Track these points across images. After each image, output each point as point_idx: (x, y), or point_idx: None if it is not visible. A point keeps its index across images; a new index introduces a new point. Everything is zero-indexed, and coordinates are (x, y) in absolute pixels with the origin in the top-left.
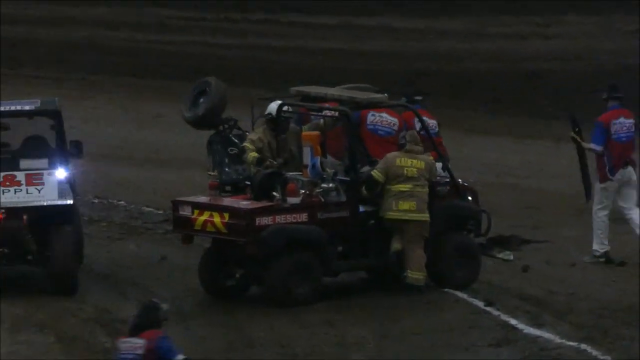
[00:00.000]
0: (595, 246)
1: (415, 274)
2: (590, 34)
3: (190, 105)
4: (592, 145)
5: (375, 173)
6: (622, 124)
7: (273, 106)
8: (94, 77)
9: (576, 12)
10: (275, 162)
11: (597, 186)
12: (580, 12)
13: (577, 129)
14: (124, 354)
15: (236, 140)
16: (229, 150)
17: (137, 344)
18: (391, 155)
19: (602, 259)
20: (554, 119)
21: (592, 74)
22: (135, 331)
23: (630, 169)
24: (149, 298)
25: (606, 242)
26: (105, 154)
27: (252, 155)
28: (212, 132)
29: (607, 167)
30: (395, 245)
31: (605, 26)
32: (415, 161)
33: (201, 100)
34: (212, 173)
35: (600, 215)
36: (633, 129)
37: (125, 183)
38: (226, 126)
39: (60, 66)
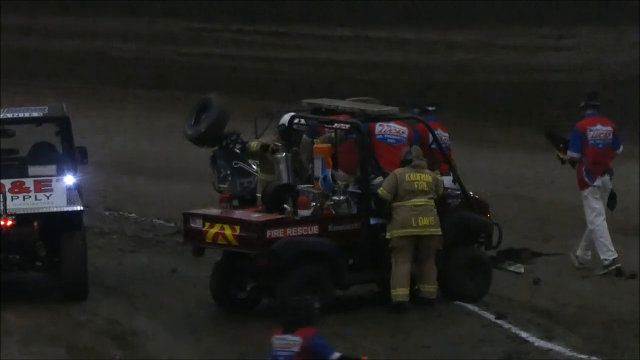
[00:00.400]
0: (602, 255)
1: (429, 288)
2: (601, 46)
3: (192, 123)
4: (569, 153)
5: (382, 191)
6: (599, 130)
7: (286, 118)
8: (105, 89)
9: (587, 24)
10: (279, 145)
11: (581, 195)
12: (592, 24)
13: (561, 145)
14: (278, 350)
15: (240, 152)
16: (233, 164)
17: (293, 341)
18: (398, 171)
19: (613, 267)
20: (565, 131)
21: (603, 86)
22: (289, 328)
23: (607, 177)
24: (302, 296)
25: (612, 248)
26: (116, 166)
27: (255, 143)
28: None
29: (585, 173)
30: (402, 292)
31: (616, 38)
32: (423, 175)
33: (203, 117)
34: (224, 185)
35: (597, 223)
36: (611, 137)
37: (136, 195)
38: (229, 141)
39: (71, 78)
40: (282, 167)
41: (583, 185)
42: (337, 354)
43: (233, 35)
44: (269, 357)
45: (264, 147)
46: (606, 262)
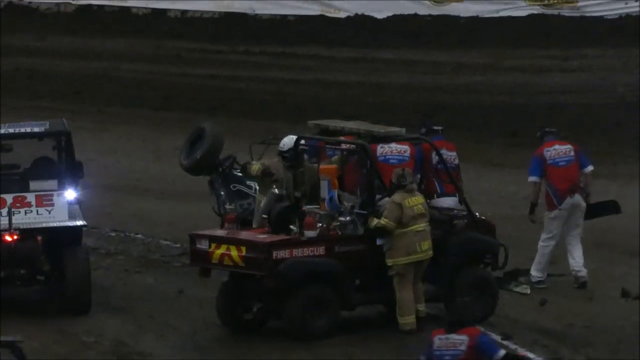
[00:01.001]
0: (534, 272)
1: (421, 307)
2: (608, 67)
3: (187, 153)
4: (530, 179)
5: (388, 223)
6: (558, 150)
7: (286, 141)
8: (111, 110)
9: (595, 45)
10: (281, 177)
11: (545, 215)
12: (599, 45)
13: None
14: (441, 350)
15: (238, 174)
16: (231, 187)
17: (459, 340)
18: (397, 198)
19: (540, 287)
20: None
21: (610, 108)
22: (453, 328)
23: (577, 197)
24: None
25: (545, 272)
26: (123, 187)
27: (257, 167)
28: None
29: (552, 195)
30: (411, 320)
31: (623, 59)
32: (417, 198)
33: (197, 146)
34: (230, 207)
35: (547, 245)
36: (572, 154)
37: (142, 216)
38: (225, 166)
39: (77, 98)
40: (266, 199)
41: (551, 207)
42: (502, 352)
43: (239, 56)
44: (423, 357)
45: (266, 173)
46: (534, 280)
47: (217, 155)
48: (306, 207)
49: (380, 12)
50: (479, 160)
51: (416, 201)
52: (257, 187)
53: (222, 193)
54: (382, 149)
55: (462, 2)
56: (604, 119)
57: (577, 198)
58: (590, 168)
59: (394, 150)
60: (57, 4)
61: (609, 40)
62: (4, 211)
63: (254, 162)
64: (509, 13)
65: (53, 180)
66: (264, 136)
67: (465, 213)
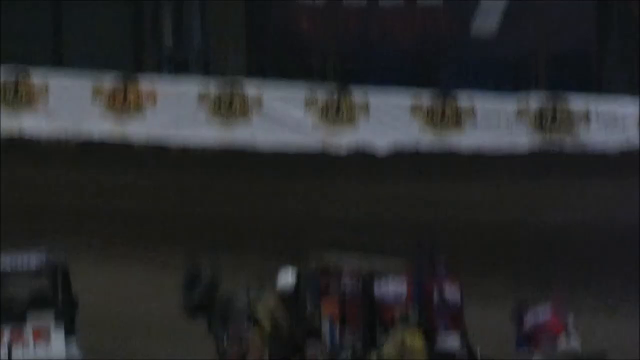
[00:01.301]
0: None
1: None
2: (609, 201)
3: (185, 295)
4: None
5: (390, 355)
6: (535, 312)
7: (284, 282)
8: (112, 245)
9: (595, 178)
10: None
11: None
12: (599, 179)
13: None
14: None
15: (237, 312)
16: (230, 326)
17: None
18: (398, 336)
19: None
20: (573, 287)
21: (611, 243)
22: None
23: (573, 340)
24: None
25: None
26: (122, 327)
27: (268, 329)
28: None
29: (544, 339)
30: None
31: (623, 193)
32: (417, 337)
33: (195, 289)
34: (230, 345)
35: None
36: (550, 309)
37: (144, 355)
38: (222, 307)
39: (77, 234)
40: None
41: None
42: None
43: (239, 190)
44: None
45: (278, 330)
46: None
47: (214, 297)
48: (307, 346)
49: (381, 144)
50: (481, 297)
51: (415, 340)
52: (255, 325)
53: (222, 333)
54: (378, 285)
55: (463, 135)
56: (604, 254)
57: (572, 341)
58: (571, 319)
59: (390, 288)
60: (58, 140)
61: (609, 174)
62: (3, 346)
63: (263, 312)
64: (510, 139)
65: (50, 315)
66: (265, 270)
67: (467, 354)
